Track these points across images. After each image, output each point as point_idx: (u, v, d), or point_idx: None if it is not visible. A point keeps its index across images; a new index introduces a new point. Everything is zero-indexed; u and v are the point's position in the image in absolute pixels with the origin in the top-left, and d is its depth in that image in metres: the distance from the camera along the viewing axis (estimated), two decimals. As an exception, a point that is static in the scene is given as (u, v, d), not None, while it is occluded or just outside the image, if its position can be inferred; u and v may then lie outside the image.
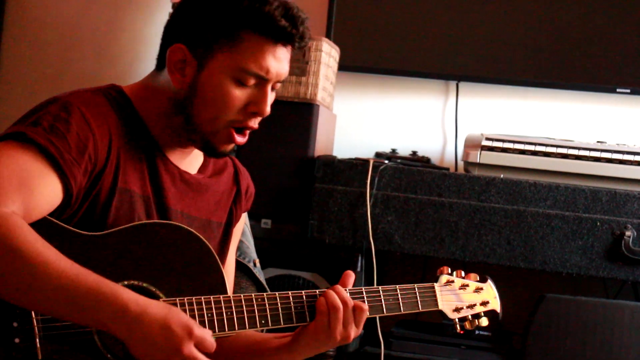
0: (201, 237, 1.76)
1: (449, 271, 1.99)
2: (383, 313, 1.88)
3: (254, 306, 1.75)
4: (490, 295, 2.00)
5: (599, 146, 3.03)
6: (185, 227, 1.76)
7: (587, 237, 2.91)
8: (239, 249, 2.20)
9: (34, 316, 1.58)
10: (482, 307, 1.99)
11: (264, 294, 1.78)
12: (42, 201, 1.60)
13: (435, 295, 1.94)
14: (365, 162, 3.06)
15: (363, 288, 1.87)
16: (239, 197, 1.98)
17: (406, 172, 3.03)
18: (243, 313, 1.74)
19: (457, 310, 1.96)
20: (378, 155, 3.33)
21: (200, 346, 1.59)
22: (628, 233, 2.88)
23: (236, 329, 1.73)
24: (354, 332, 1.82)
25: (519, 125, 3.49)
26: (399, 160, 3.21)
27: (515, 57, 3.46)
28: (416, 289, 1.92)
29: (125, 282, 1.65)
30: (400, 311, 1.90)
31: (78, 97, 1.73)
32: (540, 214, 2.93)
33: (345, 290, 1.84)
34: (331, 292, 1.82)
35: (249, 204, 2.04)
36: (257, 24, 1.74)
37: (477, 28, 3.48)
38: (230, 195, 1.97)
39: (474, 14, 3.48)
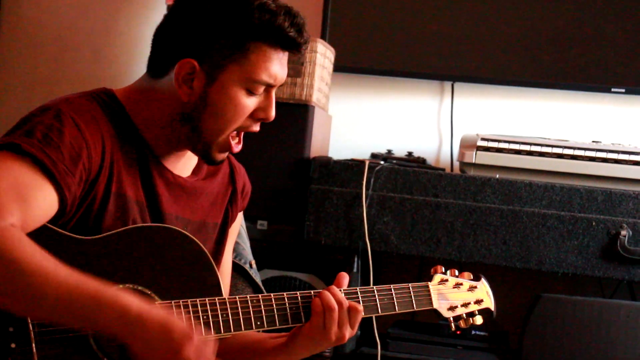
0: (195, 239, 1.77)
1: (443, 270, 2.00)
2: (378, 313, 1.89)
3: (249, 308, 1.76)
4: (484, 294, 2.01)
5: (594, 146, 3.04)
6: (179, 229, 1.76)
7: (583, 237, 2.91)
8: (234, 250, 2.20)
9: (29, 321, 1.58)
10: (476, 305, 2.00)
11: (259, 295, 1.79)
12: (39, 212, 1.60)
13: (429, 294, 1.96)
14: (361, 163, 3.06)
15: (358, 288, 1.88)
16: (234, 197, 1.98)
17: (402, 173, 3.03)
18: (239, 315, 1.74)
19: (452, 309, 1.98)
20: (374, 156, 3.33)
21: (200, 350, 1.58)
22: (623, 232, 2.88)
23: (232, 330, 1.73)
24: (349, 332, 1.84)
25: (514, 125, 3.50)
26: (394, 161, 3.22)
27: (510, 57, 3.46)
28: (410, 288, 1.93)
29: (120, 286, 1.65)
30: (395, 311, 1.90)
31: (70, 104, 1.72)
32: (536, 214, 2.93)
33: (340, 290, 1.84)
34: (326, 293, 1.83)
35: (245, 202, 2.04)
36: (268, 36, 1.76)
37: (472, 29, 3.48)
38: (225, 195, 1.97)
39: (469, 14, 3.49)
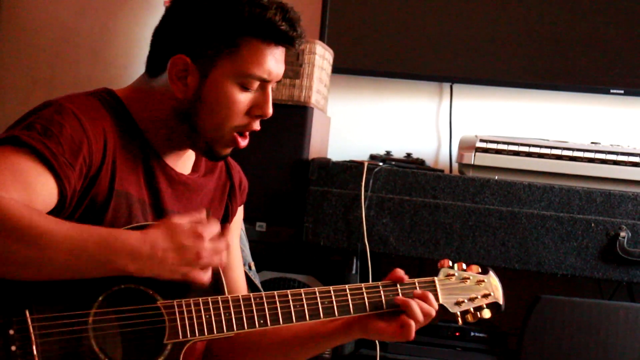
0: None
1: (450, 264, 1.98)
2: (383, 309, 1.88)
3: (252, 306, 1.76)
4: (492, 287, 1.98)
5: (593, 147, 3.04)
6: None
7: (582, 238, 2.91)
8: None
9: (30, 323, 1.58)
10: (484, 299, 1.96)
11: (262, 293, 1.78)
12: (38, 200, 1.61)
13: (436, 290, 1.94)
14: (360, 164, 3.06)
15: (363, 285, 1.87)
16: (233, 192, 1.99)
17: (401, 174, 3.03)
18: (242, 314, 1.74)
19: (459, 303, 1.95)
20: (372, 157, 3.33)
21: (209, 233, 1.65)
22: (622, 234, 2.88)
23: (235, 330, 1.73)
24: None
25: (513, 126, 3.49)
26: (393, 163, 3.21)
27: (508, 58, 3.46)
28: (417, 283, 1.92)
29: (122, 286, 1.65)
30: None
31: (72, 100, 1.73)
32: (535, 215, 2.93)
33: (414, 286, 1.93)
34: (424, 304, 1.88)
35: (244, 197, 2.05)
36: (259, 30, 1.76)
37: (470, 30, 3.48)
38: (224, 191, 1.98)
39: (468, 16, 3.48)
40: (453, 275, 1.97)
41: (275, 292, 1.79)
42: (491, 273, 2.00)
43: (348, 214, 3.02)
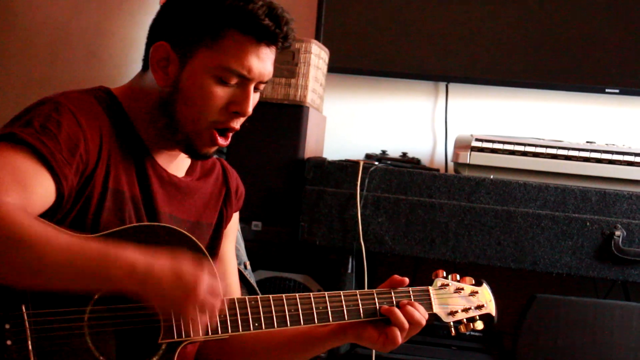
0: (196, 240, 1.77)
1: (444, 275, 1.99)
2: (377, 317, 1.89)
3: (247, 309, 1.76)
4: (485, 299, 2.00)
5: (589, 146, 3.04)
6: (178, 229, 1.76)
7: (577, 237, 2.91)
8: (229, 251, 2.20)
9: (26, 318, 1.58)
10: (477, 310, 1.99)
11: (257, 296, 1.78)
12: (36, 199, 1.60)
13: (429, 299, 1.95)
14: (356, 163, 3.06)
15: (357, 292, 1.87)
16: (229, 197, 1.99)
17: (396, 174, 3.03)
18: (237, 316, 1.74)
19: (452, 314, 1.96)
20: (368, 156, 3.33)
21: (211, 288, 1.60)
22: (618, 233, 2.88)
23: (229, 332, 1.73)
24: None
25: (509, 126, 3.50)
26: (389, 162, 3.22)
27: (504, 58, 3.47)
28: (411, 292, 1.92)
29: None
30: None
31: (69, 97, 1.73)
32: (530, 215, 2.93)
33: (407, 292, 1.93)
34: (414, 311, 1.88)
35: (240, 204, 2.04)
36: (240, 22, 1.74)
37: (466, 29, 3.48)
38: (219, 196, 1.97)
39: (463, 15, 3.49)
40: (447, 285, 1.98)
41: (270, 296, 1.79)
42: (485, 285, 2.02)
43: (344, 213, 3.02)
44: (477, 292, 2.00)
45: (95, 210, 1.71)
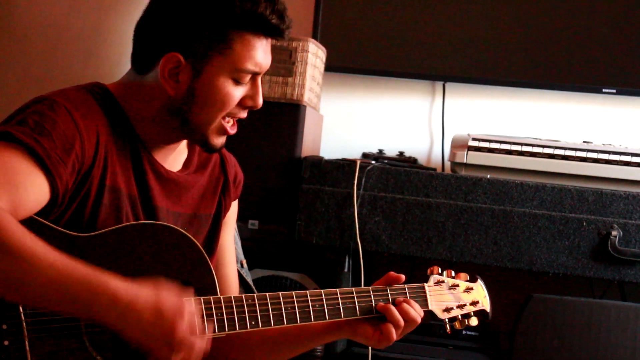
0: (192, 238, 1.77)
1: (439, 271, 2.00)
2: (373, 314, 1.89)
3: (244, 307, 1.76)
4: (480, 295, 2.01)
5: (585, 146, 3.04)
6: (176, 227, 1.76)
7: (574, 237, 2.91)
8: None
9: (23, 318, 1.58)
10: (472, 307, 1.99)
11: (254, 294, 1.78)
12: (29, 199, 1.59)
13: (425, 296, 1.95)
14: (352, 162, 3.06)
15: (353, 289, 1.88)
16: (227, 186, 1.99)
17: (393, 173, 3.03)
18: (233, 314, 1.74)
19: (447, 310, 1.97)
20: (365, 155, 3.33)
21: (192, 325, 1.59)
22: (614, 233, 2.88)
23: (226, 330, 1.73)
24: None
25: (506, 125, 3.50)
26: (386, 161, 3.21)
27: (501, 57, 3.47)
28: (406, 289, 1.93)
29: None
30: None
31: (65, 95, 1.73)
32: (527, 214, 2.94)
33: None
34: (409, 308, 1.89)
35: (239, 192, 2.04)
36: (250, 25, 1.77)
37: (463, 29, 3.48)
38: (217, 186, 1.97)
39: (461, 15, 3.49)
40: (442, 282, 1.99)
41: (267, 294, 1.79)
42: (479, 281, 2.03)
43: (340, 212, 3.02)
44: (471, 289, 2.00)
45: (92, 208, 1.71)
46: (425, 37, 3.51)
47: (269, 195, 3.10)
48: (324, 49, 3.34)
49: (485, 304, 2.01)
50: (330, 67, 3.44)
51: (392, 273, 1.93)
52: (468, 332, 3.05)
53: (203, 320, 1.65)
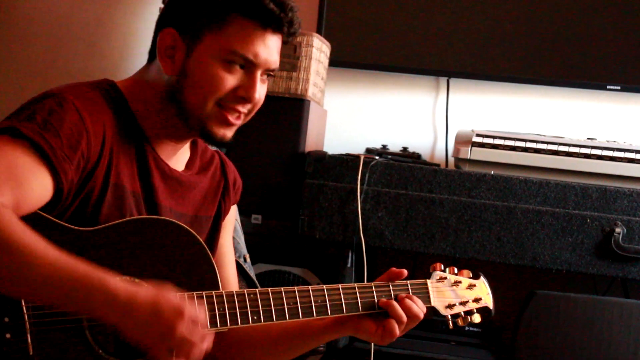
0: (194, 233, 1.77)
1: (442, 268, 1.99)
2: (375, 310, 1.89)
3: (246, 302, 1.76)
4: (483, 292, 2.00)
5: (590, 143, 3.04)
6: (178, 222, 1.76)
7: (577, 234, 2.91)
8: (228, 244, 2.20)
9: (25, 312, 1.58)
10: (474, 303, 1.99)
11: (256, 290, 1.78)
12: (32, 195, 1.60)
13: (427, 292, 1.95)
14: (356, 158, 3.06)
15: (356, 285, 1.88)
16: (227, 190, 1.99)
17: (397, 168, 3.03)
18: (235, 309, 1.74)
19: (450, 307, 1.97)
20: (369, 151, 3.33)
21: (192, 325, 1.58)
22: (618, 230, 2.88)
23: (228, 325, 1.73)
24: None
25: (510, 121, 3.50)
26: (389, 156, 3.21)
27: (506, 53, 3.46)
28: (409, 285, 1.93)
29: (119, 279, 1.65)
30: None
31: (73, 91, 1.73)
32: (531, 211, 2.93)
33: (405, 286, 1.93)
34: (412, 304, 1.88)
35: (238, 196, 2.04)
36: (245, 7, 1.76)
37: (468, 24, 3.48)
38: (218, 189, 1.97)
39: (466, 10, 3.48)
40: (445, 278, 1.98)
41: (269, 289, 1.79)
42: (482, 278, 2.02)
43: (344, 207, 3.02)
44: (474, 285, 2.00)
45: (95, 204, 1.71)
46: (429, 33, 3.51)
47: (273, 190, 3.10)
48: (328, 43, 3.34)
49: (488, 301, 2.01)
50: (335, 62, 3.43)
51: (394, 269, 1.93)
52: (471, 328, 3.05)
53: (205, 318, 1.65)
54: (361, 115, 3.63)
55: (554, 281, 3.25)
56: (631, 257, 2.88)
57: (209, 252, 1.79)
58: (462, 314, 1.98)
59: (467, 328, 3.05)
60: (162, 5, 3.25)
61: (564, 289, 3.12)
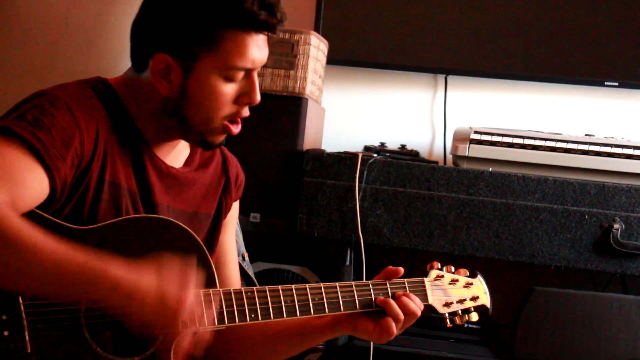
0: (191, 231, 1.77)
1: (439, 266, 2.00)
2: (372, 307, 1.89)
3: (243, 300, 1.76)
4: (480, 291, 2.01)
5: (588, 139, 3.04)
6: (176, 221, 1.76)
7: (576, 230, 2.91)
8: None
9: (22, 309, 1.58)
10: (472, 302, 2.00)
11: (254, 287, 1.79)
12: (28, 194, 1.60)
13: (425, 290, 1.95)
14: (354, 155, 3.06)
15: (353, 283, 1.88)
16: (228, 186, 1.98)
17: (395, 166, 3.03)
18: (233, 307, 1.74)
19: (447, 305, 1.97)
20: (367, 148, 3.33)
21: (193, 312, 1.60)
22: (616, 226, 2.88)
23: (226, 322, 1.73)
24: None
25: (508, 118, 3.50)
26: (387, 154, 3.21)
27: (503, 50, 3.46)
28: (406, 283, 1.93)
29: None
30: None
31: (65, 90, 1.72)
32: (529, 207, 2.93)
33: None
34: (407, 300, 1.88)
35: (240, 192, 2.04)
36: (238, 22, 1.74)
37: (465, 22, 3.48)
38: (219, 186, 1.97)
39: (463, 8, 3.48)
40: (442, 276, 1.99)
41: (267, 287, 1.79)
42: (479, 277, 2.03)
43: (342, 205, 3.02)
44: (471, 284, 2.01)
45: (91, 203, 1.71)
46: (427, 30, 3.51)
47: (271, 188, 3.10)
48: (325, 41, 3.34)
49: (485, 299, 2.01)
50: (332, 60, 3.43)
51: (390, 267, 1.93)
52: (470, 325, 3.05)
53: (207, 306, 1.66)
54: (359, 113, 3.63)
55: (552, 277, 3.25)
56: (630, 253, 2.88)
57: (206, 251, 1.79)
58: (460, 312, 1.99)
59: (466, 325, 3.05)
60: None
61: (563, 285, 3.12)
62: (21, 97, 1.73)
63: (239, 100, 1.79)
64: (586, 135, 3.13)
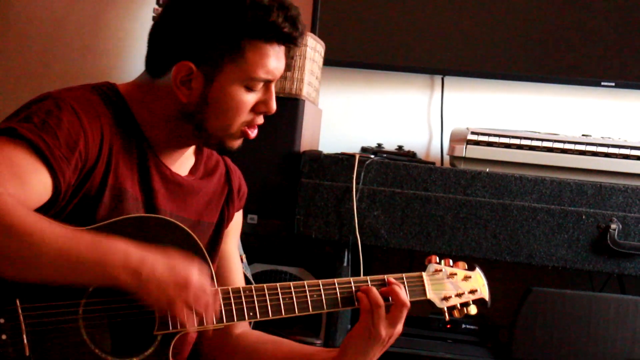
0: (190, 232, 1.77)
1: (437, 260, 2.00)
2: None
3: (242, 299, 1.77)
4: (478, 284, 2.01)
5: (584, 139, 3.04)
6: (175, 222, 1.76)
7: (573, 231, 2.91)
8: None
9: (20, 312, 1.58)
10: (470, 295, 1.99)
11: (252, 286, 1.79)
12: (32, 194, 1.61)
13: (423, 285, 1.96)
14: (351, 156, 3.06)
15: (351, 279, 1.88)
16: (231, 197, 1.99)
17: (392, 167, 3.03)
18: (231, 306, 1.75)
19: (446, 299, 1.97)
20: (364, 150, 3.33)
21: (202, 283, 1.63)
22: (613, 226, 2.88)
23: (224, 322, 1.74)
24: (398, 329, 1.89)
25: (505, 119, 3.50)
26: (384, 155, 3.21)
27: (500, 51, 3.47)
28: (404, 278, 1.93)
29: None
30: (389, 302, 1.90)
31: (71, 93, 1.74)
32: (526, 208, 2.94)
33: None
34: (373, 290, 1.86)
35: (242, 203, 2.06)
36: (262, 33, 1.76)
37: (462, 23, 3.48)
38: (222, 195, 1.98)
39: (459, 8, 3.48)
40: (440, 270, 1.99)
41: (265, 285, 1.80)
42: (478, 270, 2.03)
43: (339, 207, 3.02)
44: (470, 277, 2.01)
45: (92, 206, 1.72)
46: (424, 31, 3.51)
47: (268, 190, 3.10)
48: (322, 43, 3.34)
49: (484, 292, 2.01)
50: (329, 61, 3.43)
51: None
52: (467, 326, 3.05)
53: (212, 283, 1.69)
54: (356, 114, 3.63)
55: (550, 278, 3.25)
56: (627, 253, 2.88)
57: (205, 252, 1.79)
58: (459, 305, 1.99)
59: (464, 326, 3.05)
60: (156, 6, 3.25)
61: (560, 285, 3.12)
62: (19, 100, 1.74)
63: (255, 108, 1.82)
64: (583, 135, 3.13)
